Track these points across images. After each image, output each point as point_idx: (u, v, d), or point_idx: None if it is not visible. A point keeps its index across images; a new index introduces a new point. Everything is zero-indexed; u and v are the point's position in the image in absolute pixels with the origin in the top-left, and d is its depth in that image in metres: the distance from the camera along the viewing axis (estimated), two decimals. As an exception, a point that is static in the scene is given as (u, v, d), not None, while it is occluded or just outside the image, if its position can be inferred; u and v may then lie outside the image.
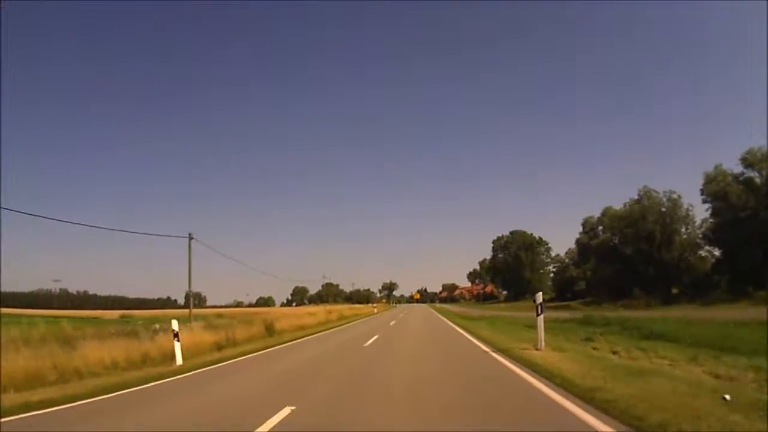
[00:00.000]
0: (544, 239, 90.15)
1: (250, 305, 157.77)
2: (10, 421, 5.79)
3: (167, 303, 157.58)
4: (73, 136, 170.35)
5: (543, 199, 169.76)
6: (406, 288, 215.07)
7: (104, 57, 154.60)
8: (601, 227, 47.94)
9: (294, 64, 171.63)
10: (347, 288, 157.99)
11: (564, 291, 65.01)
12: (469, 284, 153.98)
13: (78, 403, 6.76)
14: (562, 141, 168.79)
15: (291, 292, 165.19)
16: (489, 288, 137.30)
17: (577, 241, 50.67)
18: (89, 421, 5.71)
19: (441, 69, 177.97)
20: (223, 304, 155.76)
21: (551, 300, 59.28)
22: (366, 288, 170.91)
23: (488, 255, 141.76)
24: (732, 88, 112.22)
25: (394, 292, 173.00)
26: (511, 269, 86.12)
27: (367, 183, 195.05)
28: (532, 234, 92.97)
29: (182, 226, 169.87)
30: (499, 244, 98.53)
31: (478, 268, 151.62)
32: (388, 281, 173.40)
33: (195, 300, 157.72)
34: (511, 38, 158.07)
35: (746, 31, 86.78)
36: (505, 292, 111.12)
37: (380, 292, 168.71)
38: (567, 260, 65.64)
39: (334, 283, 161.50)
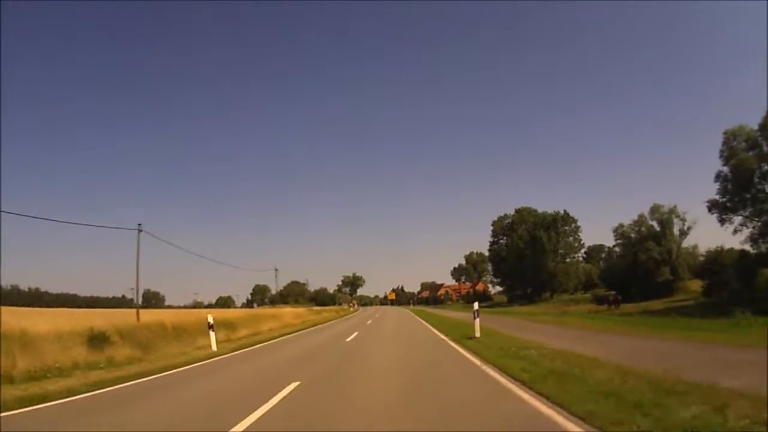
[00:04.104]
0: (570, 215, 64.71)
1: (209, 305, 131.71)
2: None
3: (122, 302, 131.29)
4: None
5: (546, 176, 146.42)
6: (379, 287, 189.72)
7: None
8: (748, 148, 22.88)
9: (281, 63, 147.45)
10: (314, 287, 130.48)
11: (624, 285, 40.43)
12: (454, 282, 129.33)
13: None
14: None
15: (251, 291, 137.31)
16: (480, 286, 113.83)
17: (721, 175, 25.03)
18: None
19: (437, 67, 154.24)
20: (183, 304, 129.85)
21: (617, 299, 34.64)
22: (335, 287, 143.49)
23: (474, 248, 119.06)
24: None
25: (359, 290, 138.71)
26: (526, 257, 60.23)
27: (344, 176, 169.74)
28: (544, 212, 67.81)
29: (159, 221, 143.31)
30: (502, 226, 73.11)
31: (464, 263, 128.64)
32: (350, 274, 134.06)
33: (153, 300, 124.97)
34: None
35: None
36: (501, 289, 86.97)
37: (340, 289, 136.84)
38: (633, 234, 40.70)
39: (301, 281, 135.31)
